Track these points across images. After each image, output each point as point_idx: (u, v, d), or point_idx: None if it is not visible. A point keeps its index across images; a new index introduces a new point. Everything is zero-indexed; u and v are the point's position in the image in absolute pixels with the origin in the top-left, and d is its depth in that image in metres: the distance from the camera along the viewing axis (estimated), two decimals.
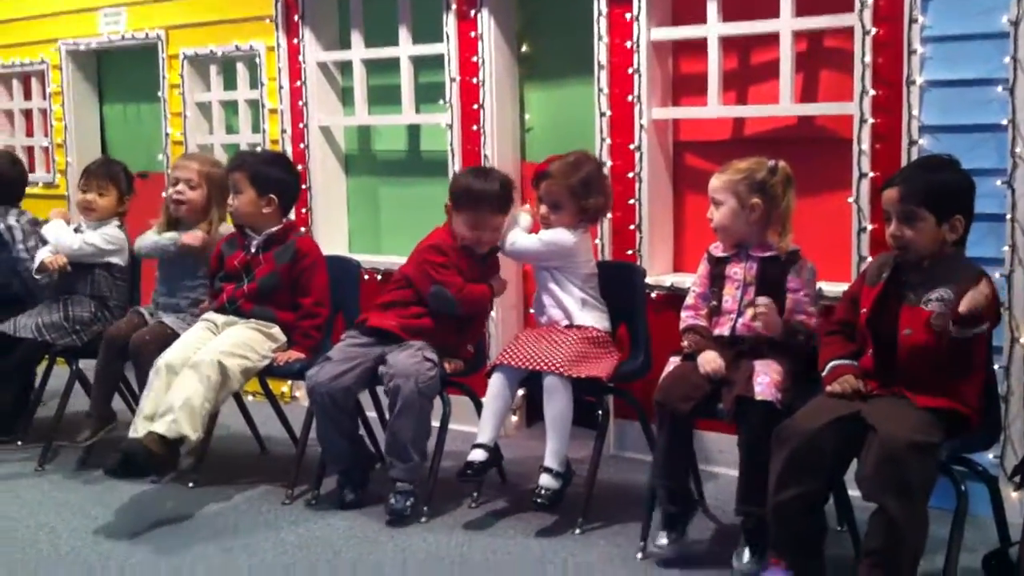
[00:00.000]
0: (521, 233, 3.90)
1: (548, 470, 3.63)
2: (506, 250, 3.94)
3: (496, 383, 3.74)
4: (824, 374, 3.14)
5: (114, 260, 4.62)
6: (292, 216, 4.43)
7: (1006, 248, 3.49)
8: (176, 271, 4.41)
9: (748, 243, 3.46)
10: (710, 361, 3.35)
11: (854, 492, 3.03)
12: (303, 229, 5.16)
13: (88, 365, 4.47)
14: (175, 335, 4.19)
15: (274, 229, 4.17)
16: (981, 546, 3.25)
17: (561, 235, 3.81)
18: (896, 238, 3.03)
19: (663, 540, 3.37)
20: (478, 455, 3.69)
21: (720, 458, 4.07)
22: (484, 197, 3.88)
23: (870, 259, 3.63)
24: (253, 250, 4.17)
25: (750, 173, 3.43)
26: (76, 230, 4.68)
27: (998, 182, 3.48)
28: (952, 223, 3.01)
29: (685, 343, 3.50)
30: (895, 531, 2.82)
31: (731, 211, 3.44)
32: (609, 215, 4.17)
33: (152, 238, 4.45)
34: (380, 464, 4.09)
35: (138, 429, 3.84)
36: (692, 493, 3.46)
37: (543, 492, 3.61)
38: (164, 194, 4.56)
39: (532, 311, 4.00)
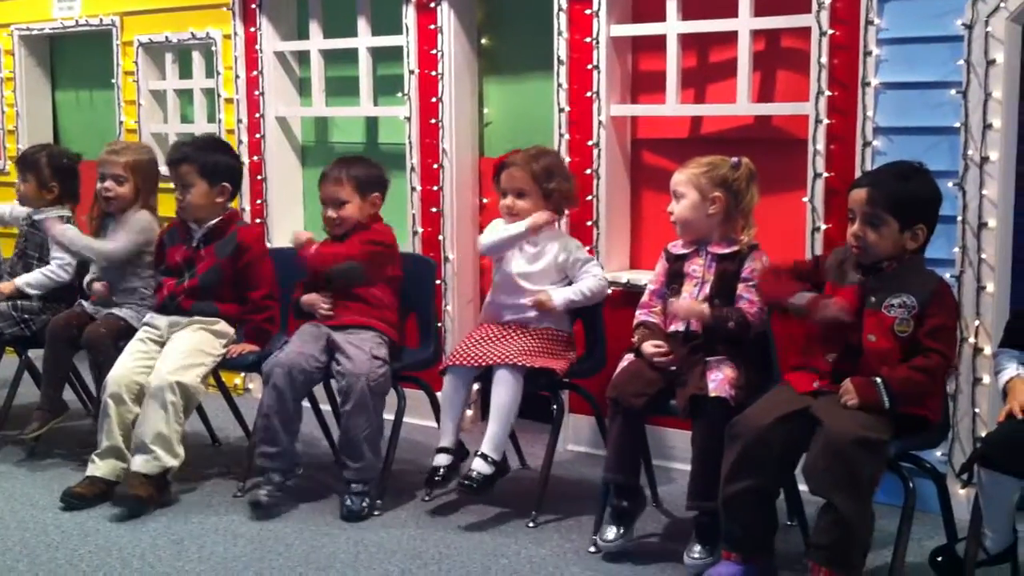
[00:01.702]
0: (592, 280, 3.84)
1: (484, 456, 3.65)
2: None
3: (449, 384, 3.76)
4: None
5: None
6: (248, 204, 4.39)
7: (956, 249, 3.55)
8: (116, 271, 4.34)
9: (707, 239, 3.49)
10: (651, 345, 3.40)
11: (804, 487, 3.06)
12: (248, 218, 5.14)
13: (38, 355, 4.41)
14: (128, 326, 4.17)
15: (214, 221, 4.08)
16: (929, 541, 3.31)
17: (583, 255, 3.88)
18: (857, 238, 3.07)
19: (609, 535, 3.38)
20: (442, 459, 3.71)
21: (674, 454, 4.09)
22: (332, 173, 3.97)
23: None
24: (194, 244, 4.09)
25: (713, 168, 3.46)
26: (30, 226, 4.60)
27: (950, 184, 3.52)
28: (915, 231, 3.04)
29: (635, 338, 3.52)
30: (843, 526, 2.87)
31: (692, 204, 3.46)
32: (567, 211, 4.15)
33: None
34: (335, 461, 4.09)
35: (98, 461, 3.85)
36: (642, 490, 3.48)
37: (473, 475, 3.62)
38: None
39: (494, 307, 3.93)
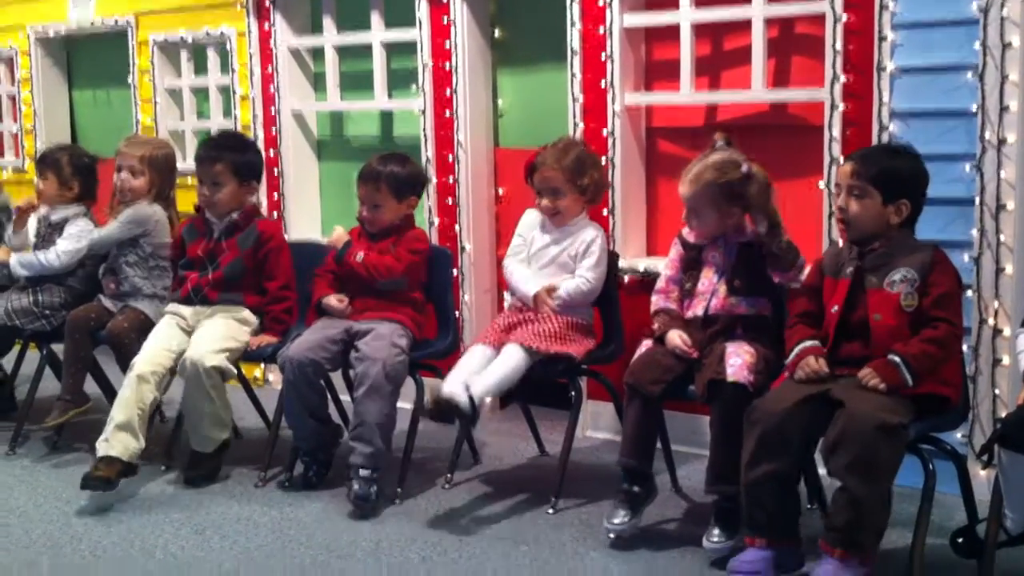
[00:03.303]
0: (572, 283, 3.81)
1: (466, 388, 3.49)
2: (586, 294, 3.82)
3: (472, 351, 3.72)
4: (789, 360, 3.17)
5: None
6: (265, 199, 4.44)
7: (975, 231, 3.54)
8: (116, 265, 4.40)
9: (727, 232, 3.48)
10: (677, 337, 3.40)
11: (824, 470, 3.06)
12: (265, 212, 5.18)
13: (60, 351, 4.43)
14: (148, 320, 4.22)
15: (235, 216, 4.16)
16: (949, 523, 3.30)
17: (595, 249, 3.81)
18: (842, 211, 3.14)
19: (617, 519, 3.37)
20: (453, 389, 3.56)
21: (692, 439, 4.09)
22: (372, 173, 3.96)
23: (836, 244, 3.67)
24: (216, 236, 4.16)
25: (727, 183, 3.36)
26: (47, 227, 4.62)
27: (967, 167, 3.53)
28: (898, 206, 3.08)
29: (656, 325, 3.52)
30: (858, 509, 2.87)
31: (712, 221, 3.43)
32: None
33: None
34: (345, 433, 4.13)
35: (110, 439, 3.84)
36: (653, 478, 3.46)
37: (442, 397, 3.48)
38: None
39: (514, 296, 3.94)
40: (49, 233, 4.62)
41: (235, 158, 4.16)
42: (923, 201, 3.15)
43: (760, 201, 3.36)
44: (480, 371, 3.64)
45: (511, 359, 3.63)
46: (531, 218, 3.94)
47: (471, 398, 3.50)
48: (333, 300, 3.96)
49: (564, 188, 3.81)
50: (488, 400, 3.72)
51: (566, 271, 3.84)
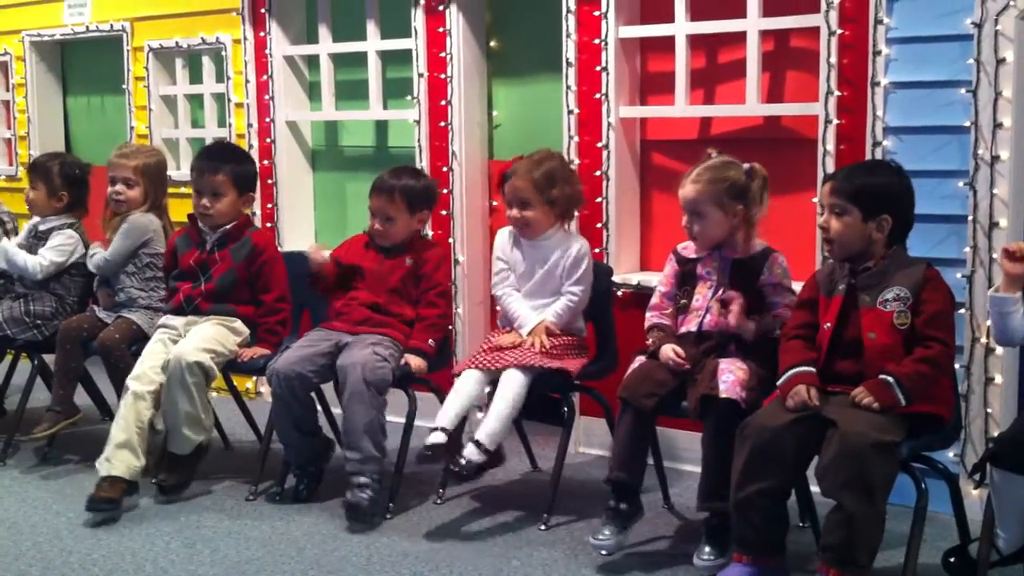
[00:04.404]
0: (559, 304, 3.83)
1: (477, 443, 3.58)
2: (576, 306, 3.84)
3: (463, 379, 3.73)
4: (780, 382, 3.14)
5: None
6: (258, 208, 4.42)
7: (967, 249, 3.53)
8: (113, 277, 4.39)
9: (723, 244, 3.47)
10: (670, 349, 3.39)
11: (817, 488, 3.05)
12: (259, 222, 5.16)
13: (51, 361, 4.42)
14: (140, 331, 4.21)
15: (229, 226, 4.14)
16: (941, 543, 3.30)
17: (581, 262, 3.81)
18: (823, 229, 3.16)
19: (603, 536, 3.34)
20: (437, 437, 3.62)
21: (685, 456, 4.09)
22: (386, 186, 3.95)
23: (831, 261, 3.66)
24: (208, 247, 4.14)
25: (731, 181, 3.39)
26: (33, 236, 4.61)
27: (960, 183, 3.52)
28: (879, 221, 3.08)
29: (650, 341, 3.51)
30: (851, 527, 2.86)
31: (716, 222, 3.41)
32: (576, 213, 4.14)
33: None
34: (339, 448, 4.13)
35: (111, 459, 3.83)
36: (639, 497, 3.44)
37: (463, 462, 3.57)
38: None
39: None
40: (35, 242, 4.60)
41: (236, 169, 4.15)
42: (910, 215, 3.15)
43: (757, 196, 3.40)
44: (473, 398, 3.69)
45: (510, 389, 3.63)
46: (505, 239, 3.94)
47: (484, 449, 3.57)
48: (320, 249, 3.98)
49: (532, 199, 3.79)
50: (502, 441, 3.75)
51: (558, 292, 3.84)
